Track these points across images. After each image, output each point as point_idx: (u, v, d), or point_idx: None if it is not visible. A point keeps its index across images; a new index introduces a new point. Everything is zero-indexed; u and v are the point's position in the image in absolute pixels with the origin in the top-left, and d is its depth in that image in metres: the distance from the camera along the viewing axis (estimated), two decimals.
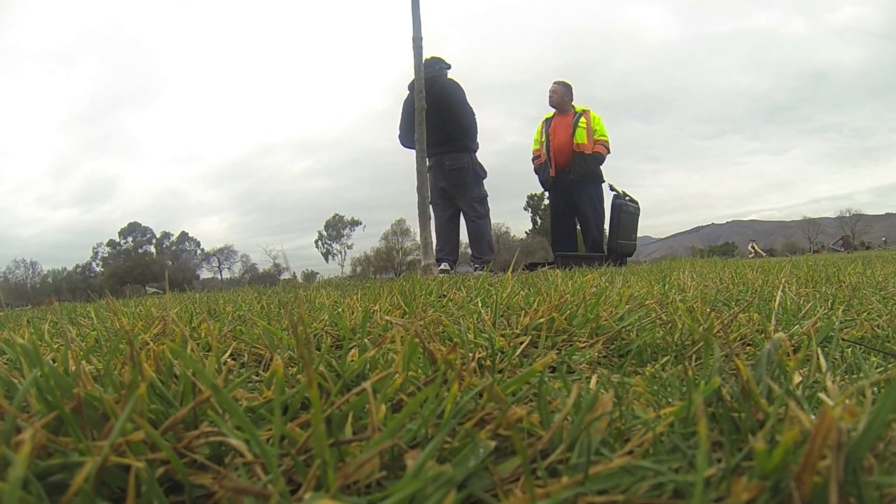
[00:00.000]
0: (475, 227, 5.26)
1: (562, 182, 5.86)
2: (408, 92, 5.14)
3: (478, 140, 5.37)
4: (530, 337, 0.89)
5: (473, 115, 5.27)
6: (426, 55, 5.06)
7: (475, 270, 4.80)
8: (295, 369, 0.72)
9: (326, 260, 55.55)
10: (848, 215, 60.13)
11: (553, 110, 6.00)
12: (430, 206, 5.25)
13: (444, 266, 5.04)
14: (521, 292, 1.47)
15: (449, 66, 5.35)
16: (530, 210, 54.20)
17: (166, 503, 0.40)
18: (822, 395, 0.51)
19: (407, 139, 5.12)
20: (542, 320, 0.95)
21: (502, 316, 1.08)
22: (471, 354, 0.72)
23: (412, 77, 4.88)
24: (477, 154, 5.36)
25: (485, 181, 5.36)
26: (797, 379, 0.57)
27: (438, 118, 4.95)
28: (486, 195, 5.35)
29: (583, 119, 5.79)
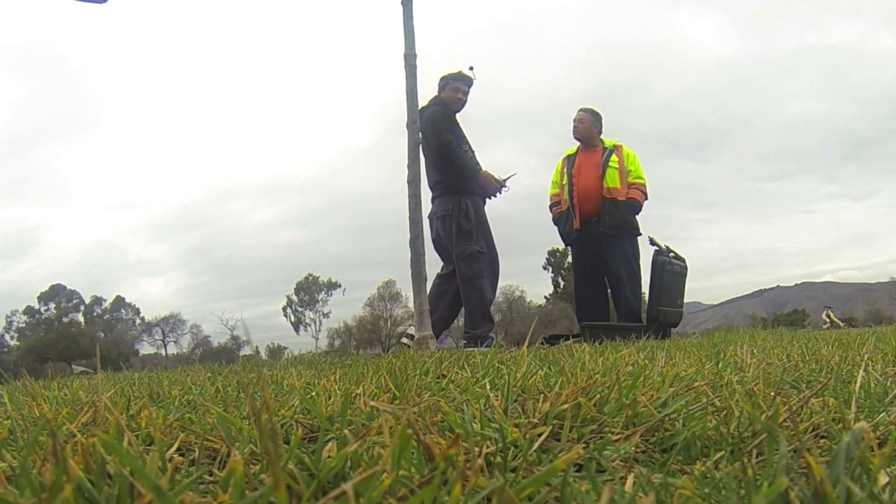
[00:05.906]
0: (462, 292, 5.22)
1: (588, 235, 5.87)
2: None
3: (489, 178, 5.29)
4: (551, 427, 0.88)
5: (458, 146, 5.15)
6: (438, 73, 5.26)
7: (464, 347, 4.70)
8: (258, 467, 0.72)
9: (297, 331, 55.17)
10: None
11: (577, 144, 6.01)
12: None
13: (410, 331, 5.00)
14: (540, 372, 1.47)
15: (467, 81, 5.33)
16: (551, 269, 54.30)
17: None
18: None
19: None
20: (565, 406, 0.95)
21: (516, 401, 1.08)
22: (477, 449, 0.72)
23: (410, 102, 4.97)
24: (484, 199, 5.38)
25: (493, 233, 5.36)
26: (883, 479, 0.57)
27: (425, 154, 5.03)
28: (480, 251, 5.19)
29: (614, 156, 5.79)
